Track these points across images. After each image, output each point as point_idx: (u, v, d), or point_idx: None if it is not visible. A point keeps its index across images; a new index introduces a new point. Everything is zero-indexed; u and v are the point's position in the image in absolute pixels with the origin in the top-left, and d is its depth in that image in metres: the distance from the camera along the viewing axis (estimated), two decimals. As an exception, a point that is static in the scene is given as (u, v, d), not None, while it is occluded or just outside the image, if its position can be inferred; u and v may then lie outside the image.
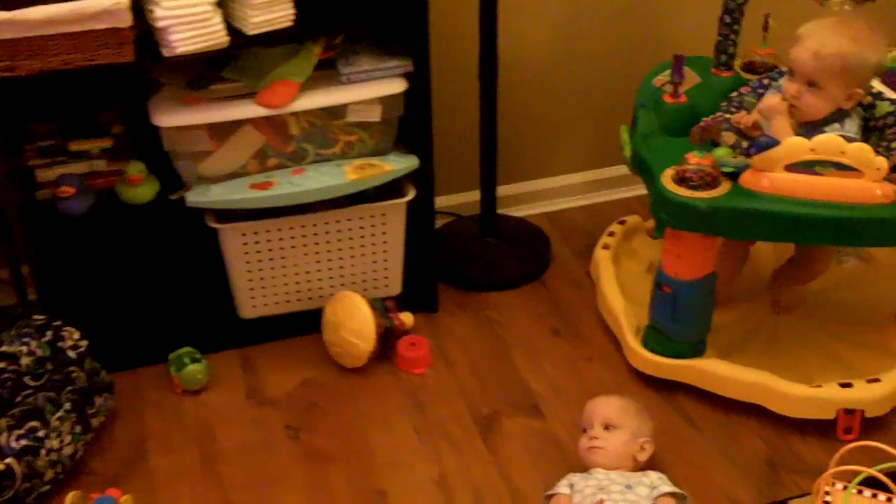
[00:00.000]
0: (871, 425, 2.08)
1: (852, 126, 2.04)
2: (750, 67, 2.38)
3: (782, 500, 1.94)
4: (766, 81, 2.20)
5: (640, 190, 2.86)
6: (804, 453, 2.06)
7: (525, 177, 2.79)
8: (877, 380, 2.07)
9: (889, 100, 2.11)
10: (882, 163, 1.91)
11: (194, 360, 2.21)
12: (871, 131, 2.10)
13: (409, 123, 2.22)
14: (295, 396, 2.22)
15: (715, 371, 2.13)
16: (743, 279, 2.41)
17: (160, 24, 1.89)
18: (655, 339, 2.18)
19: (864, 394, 2.05)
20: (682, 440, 2.09)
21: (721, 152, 2.03)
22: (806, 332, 2.29)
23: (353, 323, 2.21)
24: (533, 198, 2.81)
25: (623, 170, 2.82)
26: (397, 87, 2.15)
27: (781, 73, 2.18)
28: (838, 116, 2.04)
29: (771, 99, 2.06)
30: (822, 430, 2.08)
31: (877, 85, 2.13)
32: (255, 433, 2.13)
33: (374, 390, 2.23)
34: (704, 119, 2.10)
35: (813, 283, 2.33)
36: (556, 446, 2.08)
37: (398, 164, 2.20)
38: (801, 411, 2.07)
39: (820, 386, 2.06)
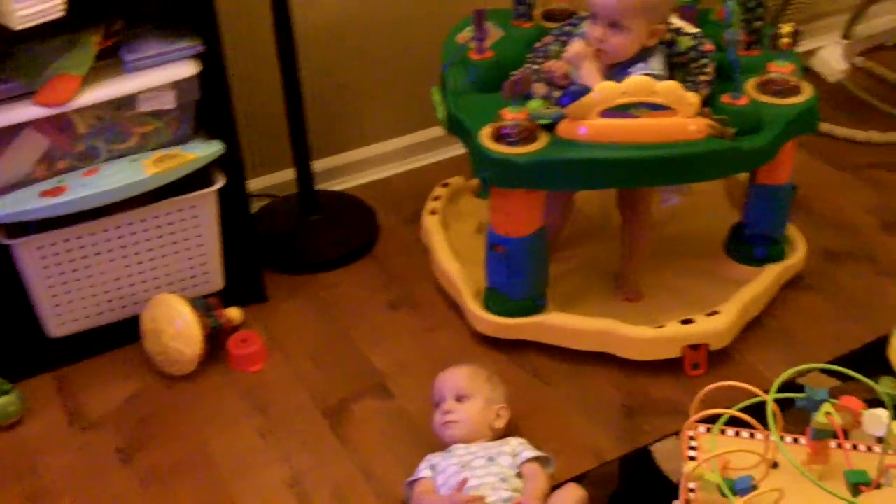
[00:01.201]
0: (718, 357, 2.12)
1: (657, 63, 2.06)
2: (549, 15, 2.39)
3: (645, 445, 1.95)
4: (567, 28, 2.20)
5: (459, 150, 2.83)
6: (658, 395, 2.08)
7: (340, 148, 2.71)
8: (716, 312, 2.11)
9: (689, 34, 2.13)
10: (693, 98, 1.93)
11: (3, 392, 2.04)
12: (676, 67, 2.13)
13: (210, 107, 2.10)
14: (122, 415, 2.08)
15: (559, 324, 2.13)
16: (573, 227, 2.41)
17: None
18: (495, 299, 2.15)
19: (706, 328, 2.08)
20: (537, 399, 2.08)
21: (535, 105, 2.02)
22: (643, 272, 2.31)
23: (175, 328, 2.09)
24: (352, 169, 2.73)
25: (439, 131, 2.79)
26: (189, 69, 2.02)
27: (581, 19, 2.18)
28: (643, 55, 2.05)
29: (576, 46, 2.05)
30: (672, 369, 2.11)
31: (676, 21, 2.15)
32: (84, 461, 1.99)
33: (209, 396, 2.12)
34: (513, 73, 2.07)
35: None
36: (410, 426, 2.03)
37: (202, 152, 2.09)
38: (649, 353, 2.09)
39: (662, 326, 2.08)
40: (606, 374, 2.13)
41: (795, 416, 1.67)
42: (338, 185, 2.70)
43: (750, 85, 2.09)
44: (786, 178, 2.20)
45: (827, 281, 2.38)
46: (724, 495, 1.46)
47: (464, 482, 1.74)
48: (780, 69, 2.08)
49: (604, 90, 1.90)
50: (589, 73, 2.01)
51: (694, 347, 2.08)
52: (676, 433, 1.96)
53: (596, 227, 2.49)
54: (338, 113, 2.65)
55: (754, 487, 1.43)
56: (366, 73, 2.65)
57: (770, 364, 2.15)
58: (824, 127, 2.85)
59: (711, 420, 1.64)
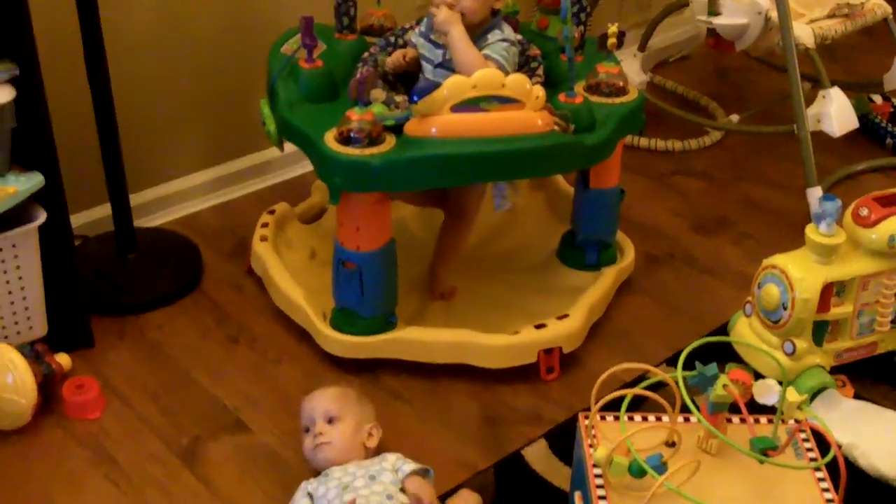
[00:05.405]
0: (567, 361, 2.21)
1: (510, 31, 2.18)
2: (367, 31, 2.44)
3: (516, 451, 2.01)
4: (392, 39, 2.28)
5: (271, 180, 2.84)
6: (515, 402, 2.15)
7: (150, 183, 2.64)
8: (566, 315, 2.20)
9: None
10: (539, 91, 2.02)
11: None
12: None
13: (25, 136, 2.00)
14: (-50, 481, 1.93)
15: (415, 339, 2.16)
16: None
17: None
18: (346, 320, 2.16)
19: (559, 330, 2.17)
20: (397, 418, 2.09)
21: (378, 108, 2.04)
22: (478, 288, 2.39)
23: (6, 377, 1.96)
24: (163, 204, 2.67)
25: (249, 161, 2.79)
26: (4, 95, 1.93)
27: (405, 30, 2.25)
28: (494, 23, 2.17)
29: (441, 13, 2.12)
30: (524, 376, 2.18)
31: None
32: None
33: (49, 449, 2.00)
34: (360, 72, 2.10)
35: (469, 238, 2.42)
36: (273, 458, 2.00)
37: (21, 185, 1.99)
38: (506, 360, 2.15)
39: (518, 332, 2.15)
40: (462, 387, 2.18)
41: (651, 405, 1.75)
42: (151, 221, 2.63)
43: (578, 88, 2.21)
44: (615, 181, 2.34)
45: (653, 283, 2.54)
46: (637, 476, 1.53)
47: (352, 503, 1.72)
48: (608, 70, 2.21)
49: (453, 85, 1.96)
50: (459, 36, 2.09)
51: (548, 352, 2.16)
52: (542, 436, 2.04)
53: (421, 245, 2.52)
54: (147, 144, 2.59)
55: (665, 464, 1.50)
56: (173, 101, 2.61)
57: (615, 364, 2.24)
58: (627, 139, 3.03)
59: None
